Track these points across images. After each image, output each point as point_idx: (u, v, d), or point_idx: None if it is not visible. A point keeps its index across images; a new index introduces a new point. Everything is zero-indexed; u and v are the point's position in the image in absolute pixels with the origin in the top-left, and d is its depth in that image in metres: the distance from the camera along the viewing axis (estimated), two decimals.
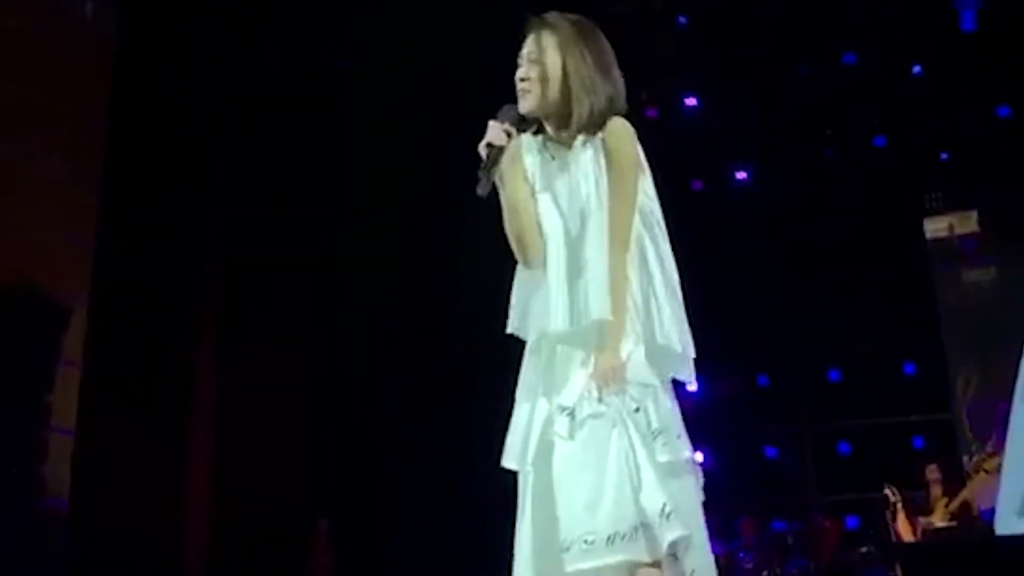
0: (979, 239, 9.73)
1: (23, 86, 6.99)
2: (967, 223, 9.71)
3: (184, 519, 8.90)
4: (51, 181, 7.17)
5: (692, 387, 2.76)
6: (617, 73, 2.80)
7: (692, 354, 2.72)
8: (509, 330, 2.82)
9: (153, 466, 8.37)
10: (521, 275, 2.84)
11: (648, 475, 2.50)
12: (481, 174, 2.69)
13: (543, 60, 2.74)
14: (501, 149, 2.72)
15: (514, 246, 2.82)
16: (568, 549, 2.49)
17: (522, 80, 2.76)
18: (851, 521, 9.60)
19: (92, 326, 7.50)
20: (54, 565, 7.08)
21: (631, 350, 2.64)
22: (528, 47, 2.77)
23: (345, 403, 9.67)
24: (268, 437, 9.17)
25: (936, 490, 8.17)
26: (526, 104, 2.77)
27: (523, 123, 2.81)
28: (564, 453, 2.58)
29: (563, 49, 2.74)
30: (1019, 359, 7.25)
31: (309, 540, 8.91)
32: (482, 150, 2.72)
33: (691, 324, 2.74)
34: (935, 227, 9.81)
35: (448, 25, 8.47)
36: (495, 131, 2.73)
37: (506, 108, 2.78)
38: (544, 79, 2.74)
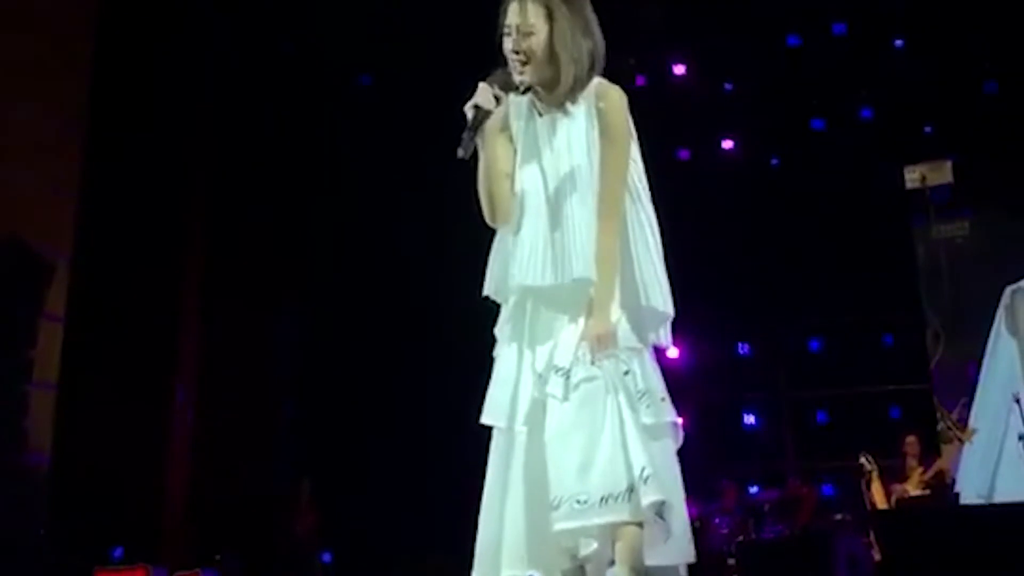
0: (953, 191, 9.36)
1: (3, 39, 6.92)
2: (941, 173, 9.32)
3: (165, 476, 8.94)
4: (34, 135, 7.12)
5: (672, 352, 2.82)
6: (598, 33, 2.82)
7: (671, 313, 2.77)
8: (486, 292, 2.85)
9: (135, 422, 8.39)
10: (500, 238, 2.86)
11: (634, 438, 2.56)
12: (465, 135, 2.67)
13: (532, 31, 2.73)
14: (488, 113, 2.72)
15: (484, 203, 2.85)
16: (558, 508, 2.54)
17: (516, 53, 2.75)
18: (827, 488, 9.71)
19: (75, 281, 7.49)
20: (34, 519, 7.11)
21: (619, 315, 2.69)
22: (515, 18, 2.75)
23: (327, 364, 9.70)
24: (251, 396, 9.21)
25: (912, 460, 8.27)
26: (520, 78, 2.77)
27: (513, 87, 2.82)
28: (558, 414, 2.62)
29: (549, 19, 2.73)
30: (989, 322, 7.24)
31: (292, 500, 8.97)
32: (468, 111, 2.71)
33: (673, 292, 2.79)
34: (907, 177, 9.46)
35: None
36: (485, 94, 2.72)
37: (498, 72, 2.77)
38: (534, 50, 2.74)
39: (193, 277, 9.36)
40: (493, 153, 2.82)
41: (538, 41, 2.73)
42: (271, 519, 8.91)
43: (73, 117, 7.48)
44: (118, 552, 7.81)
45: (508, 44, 2.77)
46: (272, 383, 9.53)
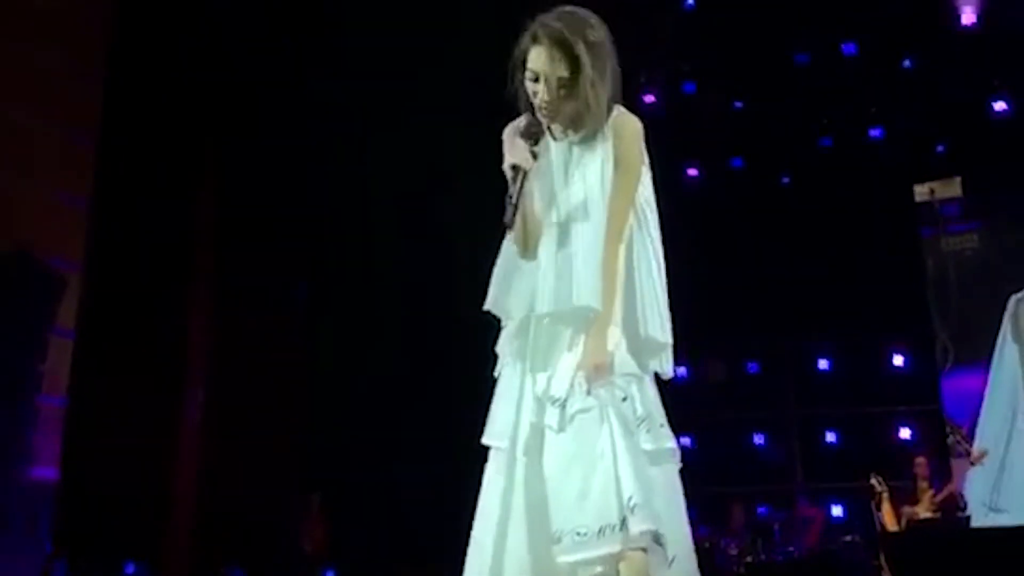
0: (962, 205, 9.47)
1: (18, 47, 6.96)
2: (950, 188, 9.43)
3: (173, 491, 8.94)
4: (47, 148, 7.15)
5: (667, 375, 2.79)
6: (616, 67, 2.78)
7: (670, 342, 2.76)
8: (487, 307, 2.84)
9: (144, 437, 8.41)
10: (505, 252, 2.85)
11: (626, 467, 2.55)
12: (509, 204, 2.64)
13: (563, 84, 2.70)
14: (527, 173, 2.69)
15: (518, 240, 2.82)
16: (560, 540, 2.55)
17: (545, 102, 2.72)
18: (836, 509, 9.66)
19: (86, 295, 7.51)
20: (42, 532, 7.11)
21: (619, 340, 2.68)
22: (543, 66, 2.71)
23: (336, 378, 9.70)
24: (260, 410, 9.21)
25: (923, 482, 8.21)
26: (546, 123, 2.77)
27: (541, 135, 2.80)
28: (555, 445, 2.63)
29: (573, 64, 2.68)
30: (997, 333, 7.20)
31: (301, 514, 8.95)
32: (507, 170, 2.69)
33: (682, 310, 2.79)
34: (917, 191, 9.56)
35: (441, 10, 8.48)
36: (522, 152, 2.70)
37: (528, 123, 2.76)
38: (561, 98, 2.72)
39: (203, 292, 9.39)
40: (532, 202, 2.80)
41: (563, 90, 2.71)
42: (278, 534, 8.90)
43: (85, 129, 7.51)
44: (129, 568, 7.79)
45: (534, 89, 2.74)
46: (283, 399, 9.52)
